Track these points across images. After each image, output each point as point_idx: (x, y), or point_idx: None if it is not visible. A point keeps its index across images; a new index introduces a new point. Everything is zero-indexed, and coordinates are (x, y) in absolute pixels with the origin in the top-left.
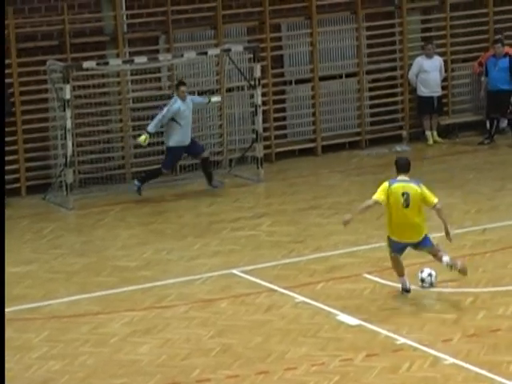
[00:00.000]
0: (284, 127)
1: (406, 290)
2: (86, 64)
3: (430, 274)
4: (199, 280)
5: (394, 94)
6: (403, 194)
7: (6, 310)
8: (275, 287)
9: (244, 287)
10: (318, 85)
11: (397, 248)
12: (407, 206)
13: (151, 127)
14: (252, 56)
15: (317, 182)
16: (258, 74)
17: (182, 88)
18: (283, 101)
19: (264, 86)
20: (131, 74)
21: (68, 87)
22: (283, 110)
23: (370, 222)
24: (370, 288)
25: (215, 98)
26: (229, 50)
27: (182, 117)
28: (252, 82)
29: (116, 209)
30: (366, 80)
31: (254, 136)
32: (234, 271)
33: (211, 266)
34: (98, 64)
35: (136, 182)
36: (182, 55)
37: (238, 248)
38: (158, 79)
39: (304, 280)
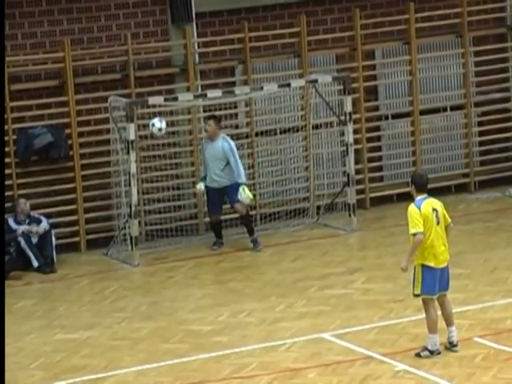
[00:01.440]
0: (380, 168)
1: (434, 352)
2: (152, 100)
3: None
4: (283, 346)
5: (507, 129)
6: (433, 211)
7: (62, 382)
8: (372, 354)
9: (335, 354)
10: (418, 119)
11: (432, 282)
12: (438, 222)
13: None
14: (342, 87)
15: None
16: (349, 107)
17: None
18: (378, 138)
19: (356, 121)
20: (204, 111)
21: (132, 126)
22: (378, 148)
23: (481, 277)
24: (482, 354)
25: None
26: (315, 81)
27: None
28: (342, 118)
29: (188, 265)
30: (475, 113)
31: (346, 179)
32: (324, 335)
33: (297, 329)
34: (165, 100)
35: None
36: (262, 88)
37: (328, 309)
38: (235, 115)
39: (405, 345)
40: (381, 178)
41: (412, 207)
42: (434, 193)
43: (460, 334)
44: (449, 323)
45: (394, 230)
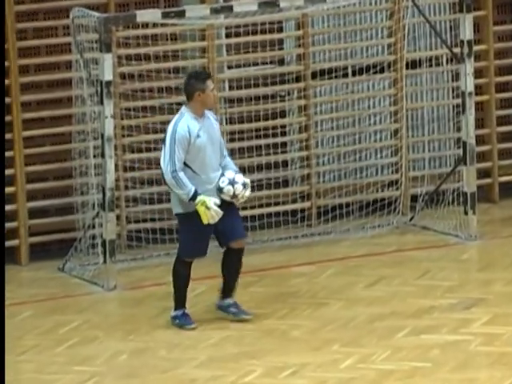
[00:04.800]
0: None
1: None
2: (142, 15)
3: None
4: None
5: None
6: None
7: None
8: None
9: None
10: None
11: None
12: None
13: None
14: (457, 0)
15: None
16: (468, 34)
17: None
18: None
19: (480, 56)
20: (226, 36)
21: (109, 60)
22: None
23: None
24: None
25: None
26: None
27: (194, 152)
28: (457, 50)
29: (198, 288)
30: None
31: (460, 152)
32: None
33: None
34: (165, 15)
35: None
36: None
37: (428, 366)
38: (278, 43)
39: None
40: None
41: None
42: None
43: None
44: None
45: None
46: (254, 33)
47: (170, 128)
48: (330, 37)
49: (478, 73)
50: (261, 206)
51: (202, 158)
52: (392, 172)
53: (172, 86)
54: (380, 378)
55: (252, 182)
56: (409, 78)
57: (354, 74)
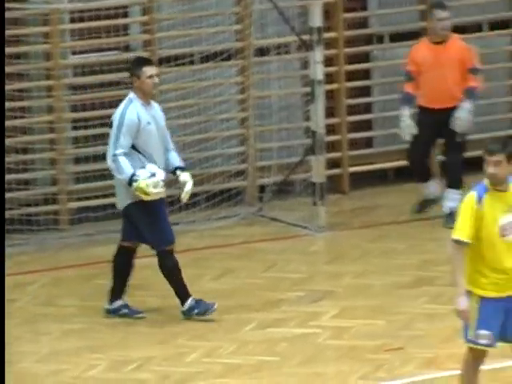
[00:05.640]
0: (368, 125)
1: None
2: None
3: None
4: None
5: None
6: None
7: None
8: None
9: None
10: None
11: (491, 323)
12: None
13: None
14: None
15: (427, 229)
16: (317, 20)
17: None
18: (367, 74)
19: (330, 44)
20: (71, 21)
21: None
22: (366, 91)
23: None
24: None
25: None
26: None
27: (144, 138)
28: (306, 37)
29: (41, 280)
30: None
31: (310, 141)
32: None
33: None
34: None
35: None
36: None
37: (275, 361)
38: (123, 29)
39: None
40: (369, 142)
41: (470, 195)
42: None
43: None
44: None
45: (387, 228)
46: (99, 18)
47: (118, 113)
48: (177, 23)
49: (328, 61)
50: (105, 196)
51: (151, 145)
52: (239, 162)
53: (14, 72)
54: (226, 372)
55: (98, 171)
56: (257, 65)
57: (200, 61)
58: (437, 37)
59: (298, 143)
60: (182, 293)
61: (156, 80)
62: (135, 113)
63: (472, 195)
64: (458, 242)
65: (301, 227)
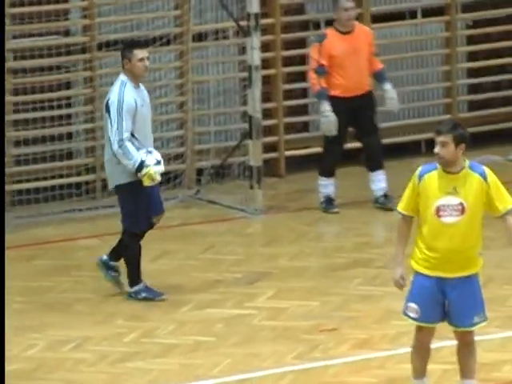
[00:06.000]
0: (304, 110)
1: None
2: None
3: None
4: None
5: None
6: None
7: None
8: None
9: None
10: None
11: (421, 298)
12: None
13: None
14: None
15: (362, 213)
16: (254, 6)
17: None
18: (302, 59)
19: (266, 29)
20: (11, 5)
21: None
22: (302, 76)
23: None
24: None
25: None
26: None
27: (140, 121)
28: (243, 23)
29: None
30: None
31: (246, 126)
32: None
33: (155, 375)
34: None
35: None
36: None
37: (211, 341)
38: (65, 13)
39: None
40: (305, 126)
41: (415, 173)
42: (395, 153)
43: None
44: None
45: (325, 212)
46: (40, 3)
47: (113, 96)
48: (117, 8)
49: (265, 47)
50: (45, 178)
51: (144, 128)
52: (178, 145)
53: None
54: (164, 352)
55: (35, 154)
56: (195, 50)
57: None
58: (344, 27)
59: (235, 127)
60: (136, 276)
61: (147, 63)
62: (131, 96)
63: (417, 171)
64: (400, 214)
65: (238, 210)
